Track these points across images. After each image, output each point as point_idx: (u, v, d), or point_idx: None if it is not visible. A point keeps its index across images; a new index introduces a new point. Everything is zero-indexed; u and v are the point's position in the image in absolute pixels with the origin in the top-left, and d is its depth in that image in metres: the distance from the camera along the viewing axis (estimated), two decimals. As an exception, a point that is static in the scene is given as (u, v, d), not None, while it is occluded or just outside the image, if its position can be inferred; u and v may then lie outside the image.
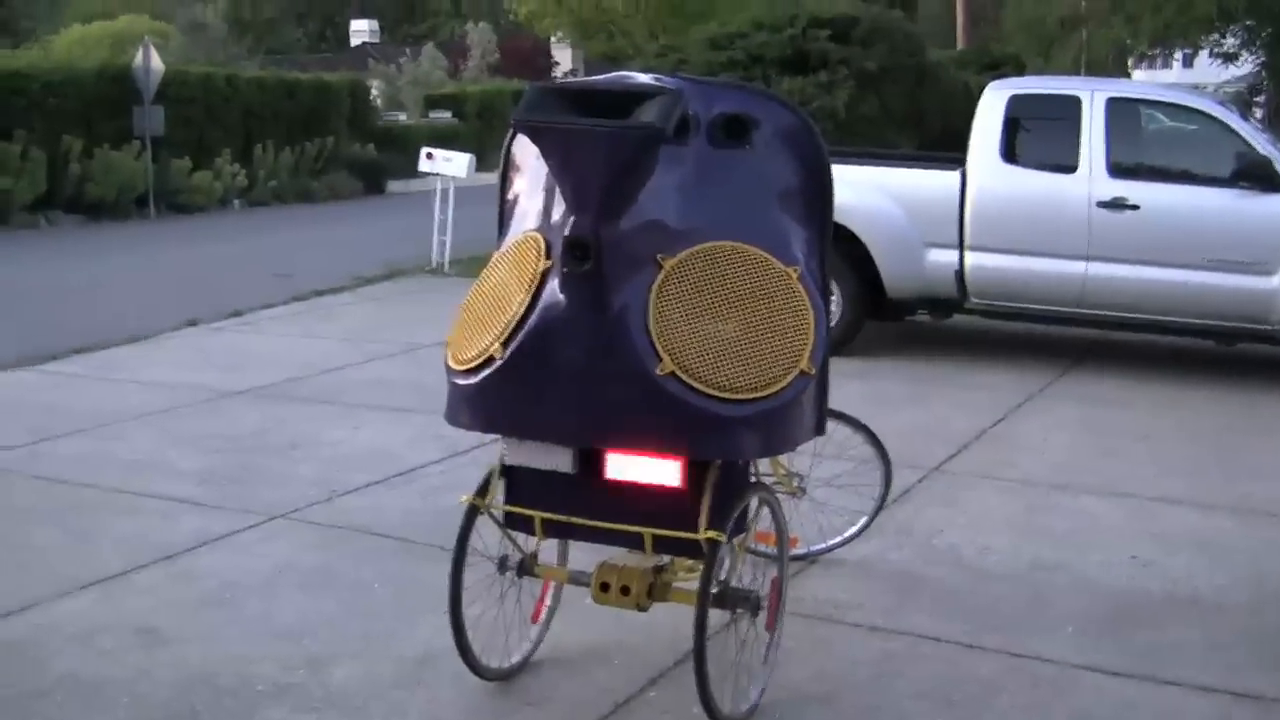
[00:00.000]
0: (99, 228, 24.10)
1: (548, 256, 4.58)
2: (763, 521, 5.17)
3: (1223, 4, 27.92)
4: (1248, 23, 30.75)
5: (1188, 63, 54.18)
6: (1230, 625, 6.00)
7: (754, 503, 5.00)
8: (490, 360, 4.59)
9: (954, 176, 11.60)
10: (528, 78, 47.50)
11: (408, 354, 11.75)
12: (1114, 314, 11.29)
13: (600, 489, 4.70)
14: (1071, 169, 11.26)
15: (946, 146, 13.62)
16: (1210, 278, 10.80)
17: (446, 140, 30.32)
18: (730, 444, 4.52)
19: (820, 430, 4.93)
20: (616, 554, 4.95)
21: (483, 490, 4.98)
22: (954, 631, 5.81)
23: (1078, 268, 11.15)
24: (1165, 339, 11.97)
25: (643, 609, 4.91)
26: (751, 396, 4.41)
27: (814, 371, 4.54)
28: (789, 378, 4.47)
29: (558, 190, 4.60)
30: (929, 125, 19.29)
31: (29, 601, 6.00)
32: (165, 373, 10.98)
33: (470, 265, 16.03)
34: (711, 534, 4.57)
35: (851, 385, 9.30)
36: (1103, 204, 11.06)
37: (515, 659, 5.34)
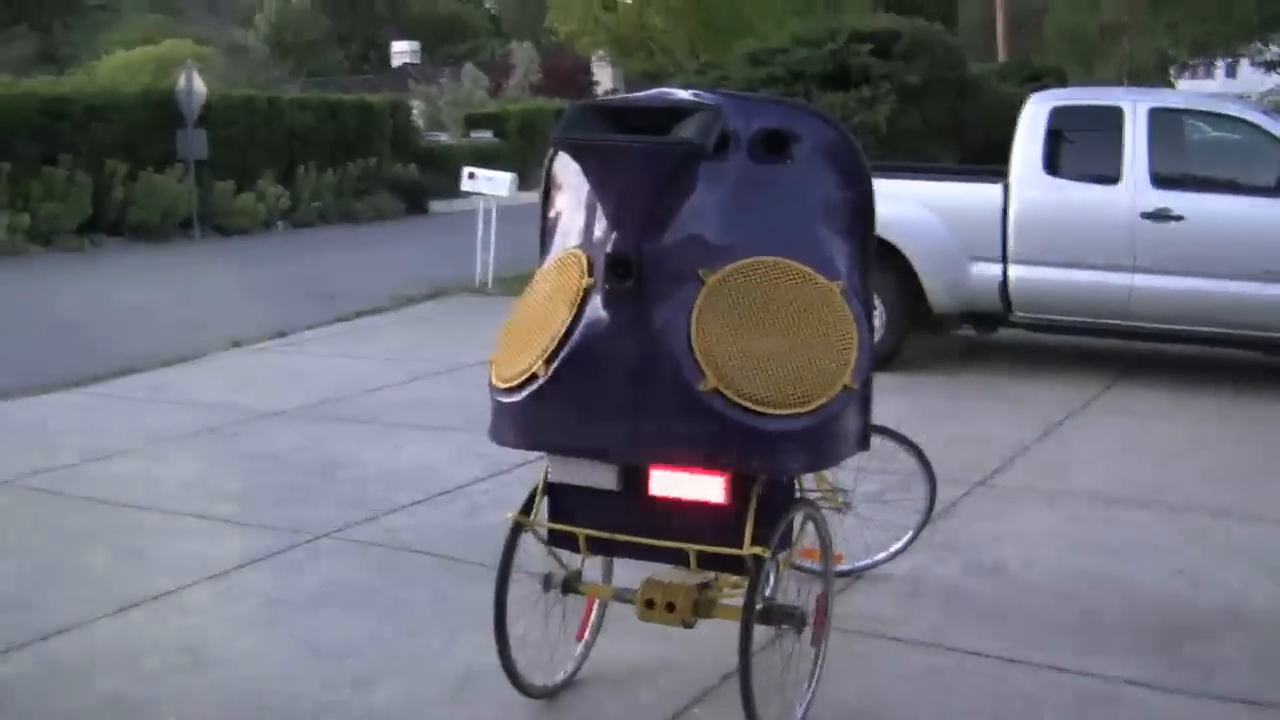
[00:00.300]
0: (143, 250, 24.26)
1: (590, 274, 4.58)
2: (807, 537, 5.15)
3: (1264, 13, 27.77)
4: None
5: (1230, 72, 54.00)
6: (1279, 639, 5.94)
7: (798, 518, 4.99)
8: (533, 378, 4.60)
9: (996, 189, 11.56)
10: (568, 96, 47.61)
11: (451, 373, 11.77)
12: (1160, 326, 11.22)
13: (644, 505, 4.69)
14: (1114, 180, 11.20)
15: (989, 159, 13.57)
16: (1257, 288, 10.72)
17: (488, 159, 30.39)
18: (774, 459, 4.50)
19: (864, 445, 4.90)
20: (661, 571, 4.94)
21: (527, 508, 4.98)
22: (999, 647, 5.77)
23: (1122, 280, 11.09)
24: (1211, 350, 11.89)
25: (688, 626, 4.90)
26: (795, 412, 4.40)
27: (857, 386, 4.53)
28: (832, 393, 4.45)
29: (599, 208, 4.60)
30: (971, 138, 19.22)
31: (75, 621, 6.03)
32: (210, 393, 11.03)
33: (513, 284, 16.05)
34: (756, 550, 4.55)
35: (895, 400, 9.27)
36: (1147, 215, 11.00)
37: (560, 677, 5.34)
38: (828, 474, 5.55)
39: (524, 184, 18.89)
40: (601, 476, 4.72)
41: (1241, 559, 6.99)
